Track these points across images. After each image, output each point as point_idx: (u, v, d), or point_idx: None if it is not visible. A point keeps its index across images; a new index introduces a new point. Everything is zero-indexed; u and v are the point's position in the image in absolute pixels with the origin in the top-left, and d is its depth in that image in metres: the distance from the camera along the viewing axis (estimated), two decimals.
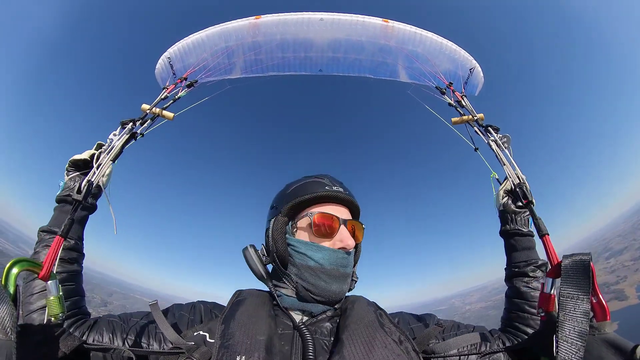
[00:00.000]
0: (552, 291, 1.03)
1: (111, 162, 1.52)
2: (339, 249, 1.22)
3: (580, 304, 0.87)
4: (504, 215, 1.57)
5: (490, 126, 1.87)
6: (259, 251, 1.33)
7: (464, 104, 2.28)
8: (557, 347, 0.84)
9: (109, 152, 1.52)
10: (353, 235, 1.27)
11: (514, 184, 1.51)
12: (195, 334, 1.07)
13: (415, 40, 2.87)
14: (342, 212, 1.29)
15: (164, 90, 2.34)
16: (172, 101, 2.23)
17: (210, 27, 2.89)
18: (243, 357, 0.91)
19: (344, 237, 1.23)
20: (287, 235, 1.28)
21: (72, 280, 1.36)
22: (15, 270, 0.86)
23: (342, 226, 1.25)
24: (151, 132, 2.01)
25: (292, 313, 1.21)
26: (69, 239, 1.34)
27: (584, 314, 0.86)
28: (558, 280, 0.98)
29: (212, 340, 1.01)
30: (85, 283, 1.47)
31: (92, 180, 1.39)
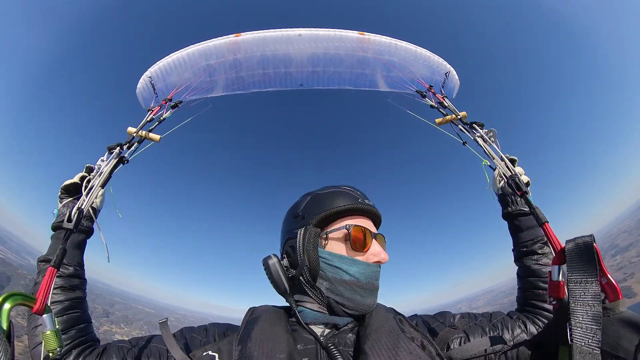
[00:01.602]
0: (560, 278, 1.01)
1: (100, 187, 1.52)
2: (374, 263, 1.19)
3: (589, 287, 0.85)
4: (504, 198, 1.58)
5: (475, 123, 1.89)
6: (282, 262, 1.22)
7: (446, 104, 2.32)
8: (571, 334, 0.82)
9: (97, 178, 1.54)
10: None
11: (506, 177, 1.51)
12: (204, 354, 1.03)
13: (391, 50, 2.95)
14: (371, 226, 1.26)
15: (149, 112, 2.35)
16: (157, 123, 2.23)
17: (190, 46, 2.96)
18: None
19: (377, 252, 1.20)
20: (318, 248, 1.19)
21: (76, 308, 1.33)
22: (7, 306, 0.82)
23: (374, 240, 1.22)
24: (154, 144, 2.08)
25: (314, 327, 1.14)
26: (67, 265, 1.33)
27: (595, 297, 0.83)
28: (564, 267, 0.95)
29: None
30: (87, 293, 1.45)
31: (82, 207, 1.38)
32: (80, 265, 1.42)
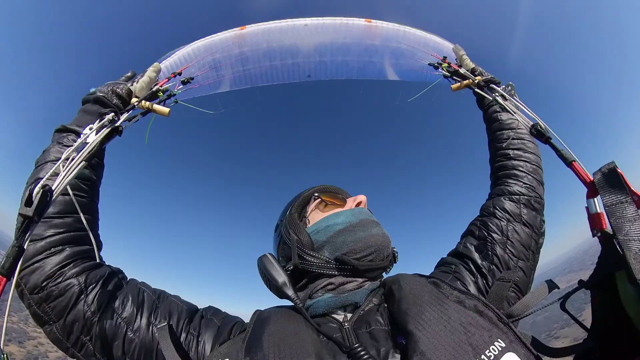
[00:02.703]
0: (598, 209, 1.02)
1: (85, 162, 1.15)
2: (355, 206, 1.23)
3: (626, 205, 0.86)
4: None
5: (491, 81, 1.82)
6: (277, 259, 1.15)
7: (462, 72, 2.20)
8: (621, 247, 0.81)
9: (80, 150, 1.14)
10: None
11: (528, 127, 1.45)
12: None
13: (399, 37, 2.90)
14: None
15: (155, 85, 1.99)
16: (166, 97, 1.94)
17: (196, 41, 2.93)
18: None
19: (351, 199, 1.26)
20: (303, 228, 1.19)
21: (85, 192, 1.14)
22: None
23: (346, 198, 1.29)
24: (158, 133, 1.90)
25: (333, 316, 1.00)
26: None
27: (634, 211, 0.85)
28: (599, 198, 0.98)
29: None
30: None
31: (53, 187, 0.95)
32: (102, 150, 1.27)
